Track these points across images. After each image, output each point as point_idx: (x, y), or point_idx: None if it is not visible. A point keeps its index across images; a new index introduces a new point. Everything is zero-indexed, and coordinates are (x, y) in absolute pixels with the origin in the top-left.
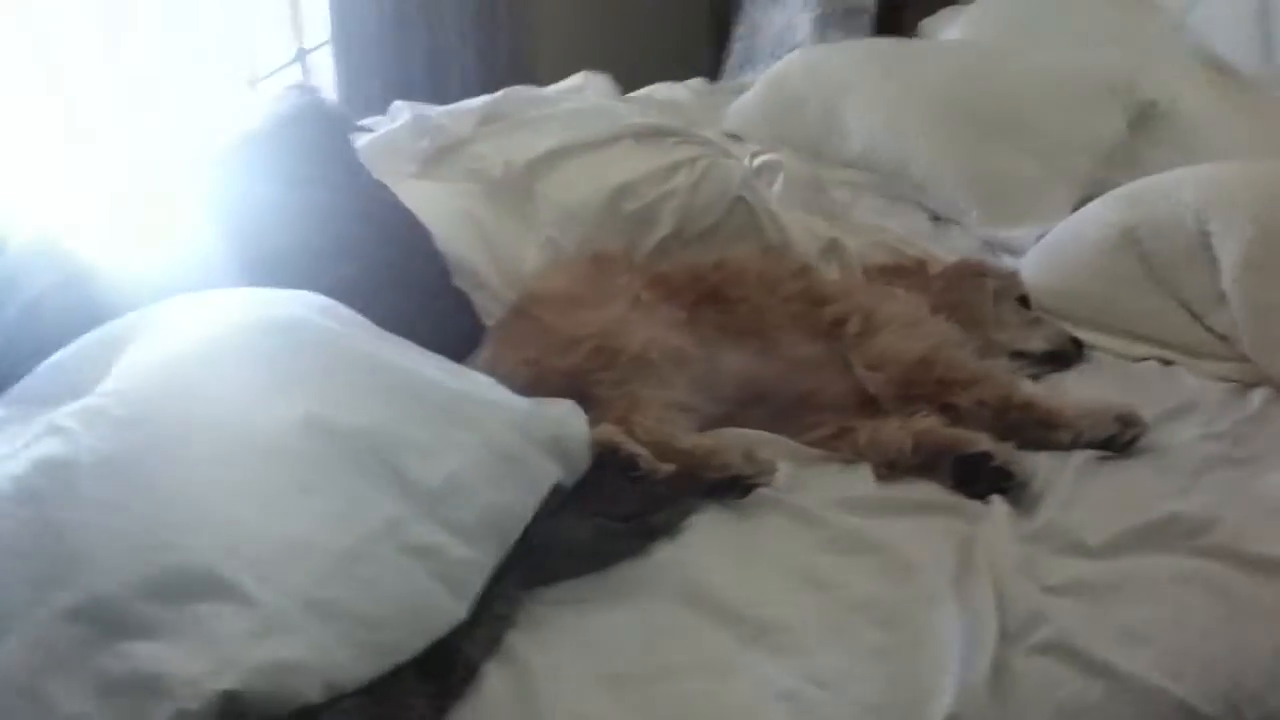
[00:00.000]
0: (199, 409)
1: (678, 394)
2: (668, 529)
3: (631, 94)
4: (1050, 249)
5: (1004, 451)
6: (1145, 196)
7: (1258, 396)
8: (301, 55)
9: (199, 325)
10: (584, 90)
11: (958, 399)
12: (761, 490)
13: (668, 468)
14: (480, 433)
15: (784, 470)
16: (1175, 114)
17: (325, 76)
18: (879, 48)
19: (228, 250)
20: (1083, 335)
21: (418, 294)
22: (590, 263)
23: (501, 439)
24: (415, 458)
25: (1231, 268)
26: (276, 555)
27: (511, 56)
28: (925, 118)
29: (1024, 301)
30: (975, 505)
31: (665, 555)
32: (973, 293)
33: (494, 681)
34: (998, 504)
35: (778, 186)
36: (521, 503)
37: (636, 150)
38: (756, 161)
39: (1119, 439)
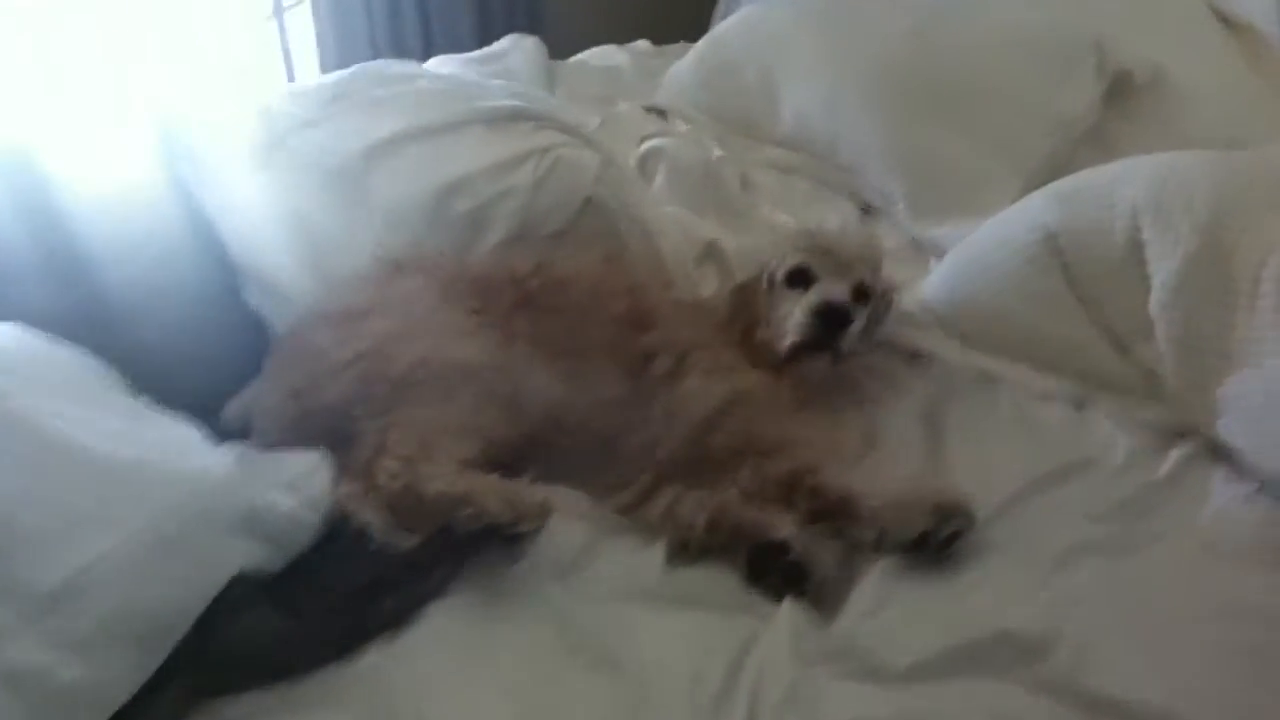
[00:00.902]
0: None
1: (457, 414)
2: (392, 621)
3: (568, 59)
4: (967, 254)
5: (806, 541)
6: (1080, 193)
7: (1175, 455)
8: (279, 12)
9: None
10: (507, 56)
11: (740, 473)
12: (531, 569)
13: (408, 541)
14: (137, 514)
15: (576, 538)
16: (1166, 83)
17: (307, 36)
18: (829, 3)
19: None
20: (987, 364)
21: (202, 308)
22: (388, 270)
23: (164, 521)
24: (30, 552)
25: (1161, 289)
26: None
27: (510, 6)
28: (860, 89)
29: (799, 275)
30: (770, 605)
31: (375, 659)
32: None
33: None
34: (786, 610)
35: (660, 179)
36: (180, 600)
37: (485, 138)
38: (644, 147)
39: (934, 537)
